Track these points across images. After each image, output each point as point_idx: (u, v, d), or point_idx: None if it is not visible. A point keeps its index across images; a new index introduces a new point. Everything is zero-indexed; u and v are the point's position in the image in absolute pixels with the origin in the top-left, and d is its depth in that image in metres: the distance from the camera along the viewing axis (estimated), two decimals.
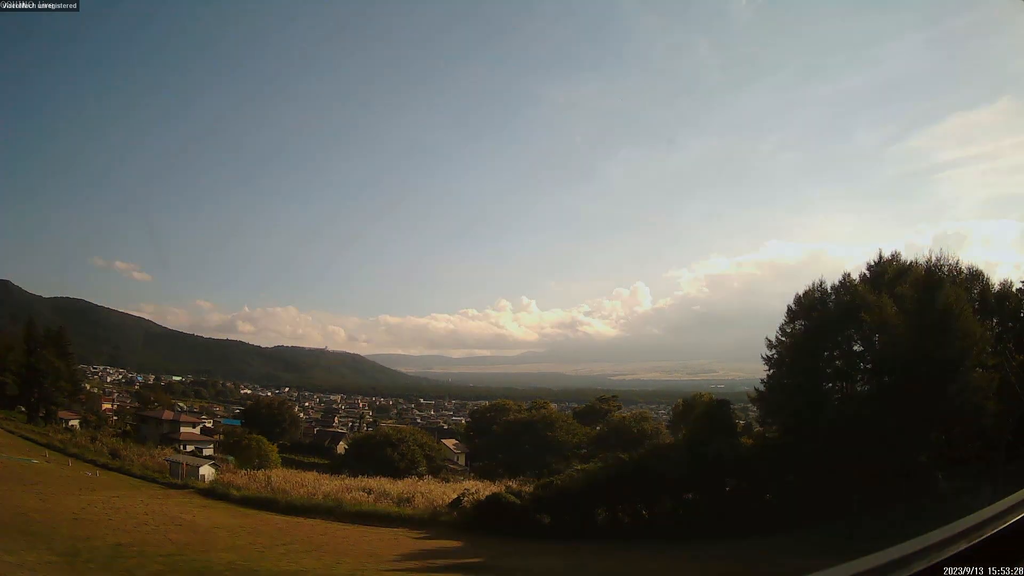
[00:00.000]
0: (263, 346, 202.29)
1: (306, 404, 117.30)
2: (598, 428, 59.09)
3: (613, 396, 72.17)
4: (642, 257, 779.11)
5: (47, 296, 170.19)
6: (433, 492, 35.91)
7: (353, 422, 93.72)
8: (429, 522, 30.36)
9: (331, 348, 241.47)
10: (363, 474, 41.11)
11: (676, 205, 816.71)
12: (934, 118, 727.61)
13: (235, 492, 34.52)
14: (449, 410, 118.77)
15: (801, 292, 31.95)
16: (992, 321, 28.32)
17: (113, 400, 77.24)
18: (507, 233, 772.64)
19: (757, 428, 34.55)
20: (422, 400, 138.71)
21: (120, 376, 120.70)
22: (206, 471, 39.08)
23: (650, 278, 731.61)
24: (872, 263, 31.34)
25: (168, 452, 47.08)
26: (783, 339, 31.15)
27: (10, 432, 44.91)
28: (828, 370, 29.62)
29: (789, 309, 31.55)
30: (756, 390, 32.78)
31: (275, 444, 53.69)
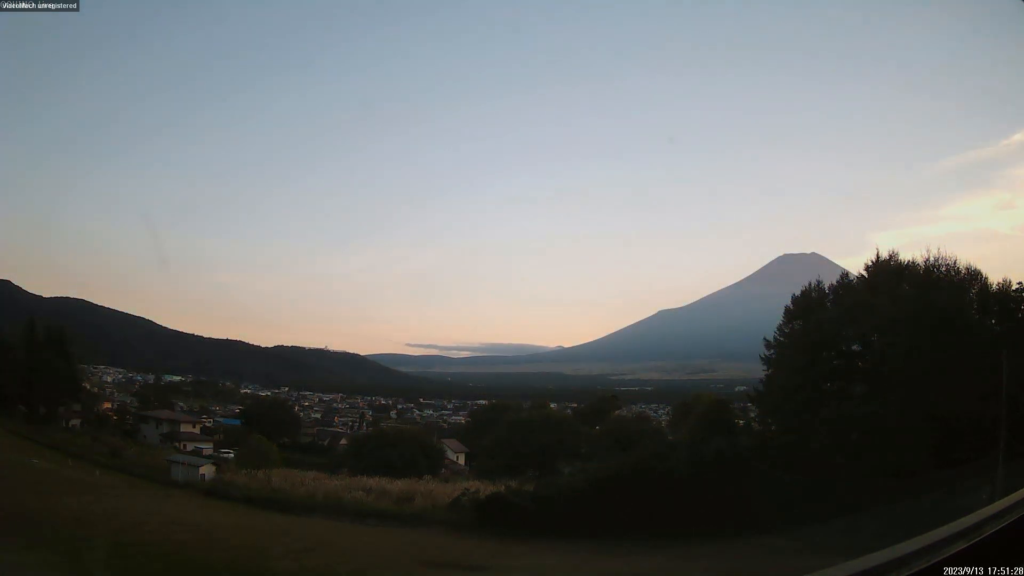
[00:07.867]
0: (263, 346, 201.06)
1: (306, 404, 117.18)
2: (598, 428, 59.18)
3: (613, 396, 72.33)
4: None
5: (47, 296, 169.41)
6: (433, 492, 35.88)
7: (353, 422, 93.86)
8: (429, 521, 30.37)
9: (331, 348, 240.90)
10: (363, 474, 41.13)
11: None
12: None
13: (235, 492, 34.57)
14: (449, 410, 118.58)
15: (798, 292, 32.10)
16: (991, 321, 28.36)
17: (113, 400, 77.04)
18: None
19: (756, 427, 34.60)
20: (422, 400, 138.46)
21: (120, 376, 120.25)
22: (206, 470, 39.16)
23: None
24: (870, 262, 31.41)
25: (168, 452, 47.13)
26: (781, 339, 31.19)
27: (10, 432, 44.82)
28: (826, 370, 29.66)
29: (787, 309, 31.61)
30: (755, 390, 32.86)
31: (275, 444, 53.76)
